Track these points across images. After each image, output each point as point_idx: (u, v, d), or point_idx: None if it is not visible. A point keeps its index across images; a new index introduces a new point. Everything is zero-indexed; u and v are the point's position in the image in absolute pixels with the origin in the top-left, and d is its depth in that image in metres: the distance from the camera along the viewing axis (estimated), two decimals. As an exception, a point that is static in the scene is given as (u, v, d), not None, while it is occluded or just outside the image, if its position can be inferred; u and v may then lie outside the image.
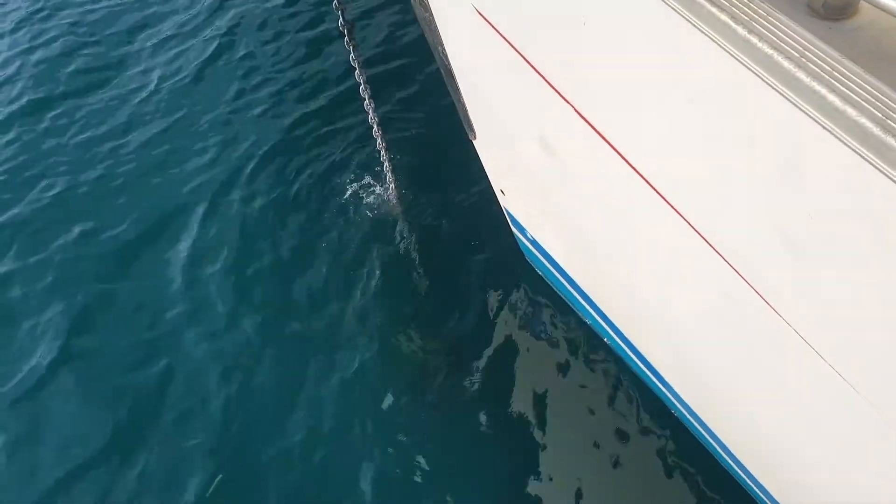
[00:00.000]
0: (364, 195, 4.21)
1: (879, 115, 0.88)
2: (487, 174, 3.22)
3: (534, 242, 3.32)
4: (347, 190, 4.25)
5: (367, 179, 4.27)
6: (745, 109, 1.13)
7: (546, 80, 1.83)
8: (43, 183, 4.52)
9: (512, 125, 2.48)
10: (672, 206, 1.62)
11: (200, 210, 4.24)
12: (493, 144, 2.93)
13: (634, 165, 1.68)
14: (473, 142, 3.05)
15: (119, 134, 4.81)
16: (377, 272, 3.83)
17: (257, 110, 4.92)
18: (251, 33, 5.59)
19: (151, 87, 5.18)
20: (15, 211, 4.34)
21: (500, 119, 2.58)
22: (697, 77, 1.22)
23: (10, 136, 4.88)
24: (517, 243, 3.56)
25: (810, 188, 1.10)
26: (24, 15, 6.09)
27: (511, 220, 3.41)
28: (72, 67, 5.42)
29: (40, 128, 4.94)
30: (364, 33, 5.24)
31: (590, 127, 1.77)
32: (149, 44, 5.62)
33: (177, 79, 5.24)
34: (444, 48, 2.47)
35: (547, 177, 2.51)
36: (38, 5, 6.20)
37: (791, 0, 1.08)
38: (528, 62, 1.88)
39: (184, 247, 4.04)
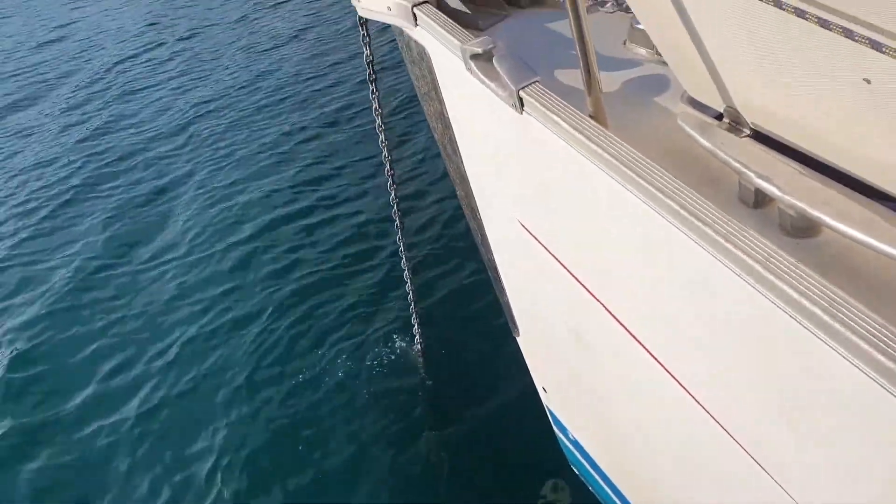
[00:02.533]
0: (390, 356, 4.43)
1: (838, 314, 1.07)
2: (530, 371, 3.37)
3: (575, 443, 3.35)
4: (372, 343, 4.52)
5: (395, 339, 4.54)
6: (740, 312, 1.33)
7: (581, 283, 2.08)
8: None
9: (552, 323, 2.70)
10: (702, 406, 1.74)
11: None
12: (535, 341, 3.13)
13: (662, 362, 1.84)
14: (517, 338, 3.26)
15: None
16: (394, 451, 3.89)
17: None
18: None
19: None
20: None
21: (542, 317, 2.81)
22: (701, 284, 1.44)
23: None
24: (559, 444, 3.58)
25: (796, 377, 1.25)
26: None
27: (553, 420, 3.47)
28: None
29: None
30: (412, 209, 5.80)
31: (621, 325, 1.96)
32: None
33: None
34: (491, 252, 2.80)
35: (586, 376, 2.66)
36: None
37: (765, 220, 1.33)
38: (564, 267, 2.15)
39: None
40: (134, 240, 6.21)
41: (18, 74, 11.38)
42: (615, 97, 1.86)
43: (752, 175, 1.32)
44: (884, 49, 0.92)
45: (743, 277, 1.22)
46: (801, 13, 1.03)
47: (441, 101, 2.46)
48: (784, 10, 1.05)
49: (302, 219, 6.12)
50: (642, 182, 1.41)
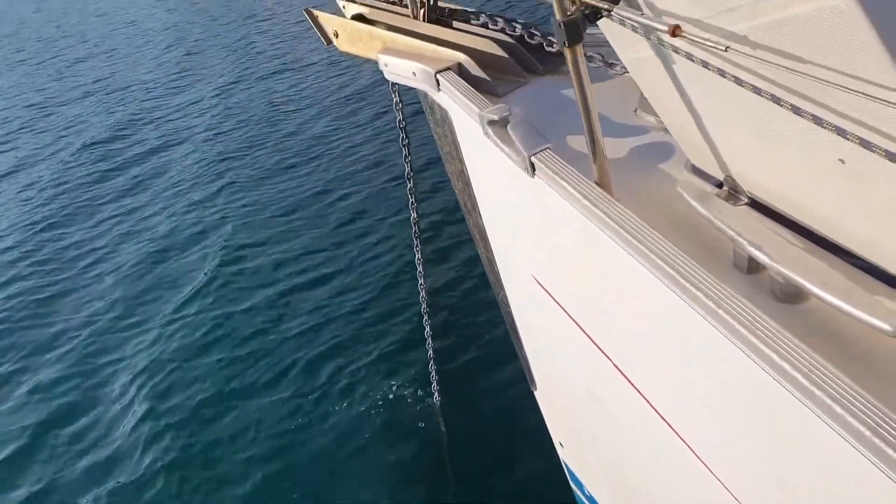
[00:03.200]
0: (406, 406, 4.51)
1: (816, 379, 1.12)
2: (547, 425, 3.40)
3: (591, 499, 3.34)
4: (391, 394, 4.63)
5: (413, 391, 4.62)
6: (726, 370, 1.38)
7: (591, 339, 2.14)
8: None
9: (567, 379, 2.74)
10: (707, 468, 1.77)
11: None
12: (551, 396, 3.16)
13: (668, 420, 1.88)
14: (535, 392, 3.31)
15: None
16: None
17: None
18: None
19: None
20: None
21: (557, 373, 2.86)
22: (696, 348, 1.50)
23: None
24: (574, 499, 3.57)
25: (784, 439, 1.29)
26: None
27: (569, 475, 3.48)
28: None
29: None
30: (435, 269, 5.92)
31: (630, 384, 2.01)
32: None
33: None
34: (509, 306, 2.88)
35: (601, 432, 2.68)
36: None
37: (758, 286, 1.40)
38: (577, 324, 2.22)
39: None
40: (159, 293, 6.44)
41: (51, 129, 11.95)
42: (623, 163, 1.96)
43: (744, 243, 1.40)
44: (848, 136, 1.01)
45: (732, 342, 1.28)
46: (776, 100, 1.12)
47: (461, 161, 2.58)
48: (762, 96, 1.14)
49: (327, 270, 6.31)
50: (641, 247, 1.49)
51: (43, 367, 5.74)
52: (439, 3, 2.65)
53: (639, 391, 1.96)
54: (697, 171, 1.82)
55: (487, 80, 2.38)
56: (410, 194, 3.56)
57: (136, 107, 12.13)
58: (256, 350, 5.40)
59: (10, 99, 14.37)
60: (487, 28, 2.59)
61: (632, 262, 1.55)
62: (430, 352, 4.15)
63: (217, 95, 11.88)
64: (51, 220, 8.44)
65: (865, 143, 0.99)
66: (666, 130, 2.05)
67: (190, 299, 6.19)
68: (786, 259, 1.32)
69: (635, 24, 1.35)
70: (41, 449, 4.94)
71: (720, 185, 1.73)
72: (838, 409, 1.05)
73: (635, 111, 2.23)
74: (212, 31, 16.93)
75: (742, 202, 1.64)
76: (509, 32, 2.51)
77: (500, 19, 2.57)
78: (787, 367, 1.14)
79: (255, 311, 5.90)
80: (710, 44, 1.15)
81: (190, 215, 7.81)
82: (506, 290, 2.82)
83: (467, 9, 2.74)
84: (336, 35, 2.83)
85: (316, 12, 2.89)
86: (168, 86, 13.06)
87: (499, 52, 2.44)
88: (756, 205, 1.61)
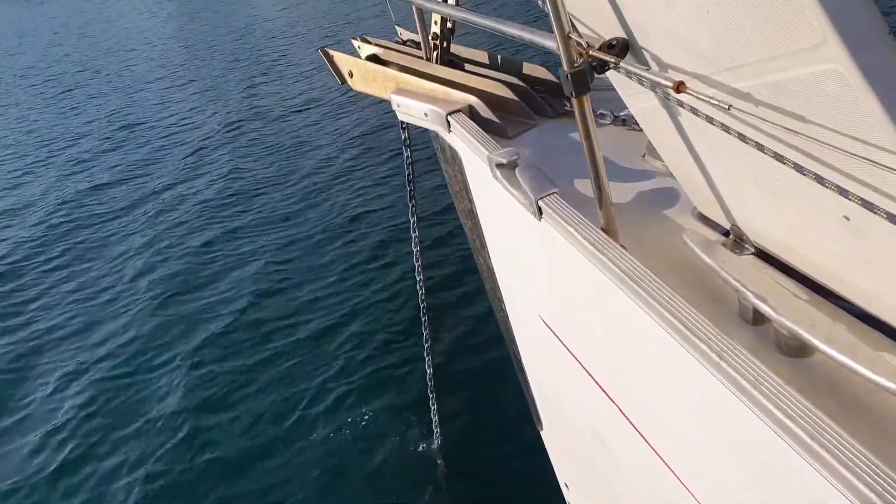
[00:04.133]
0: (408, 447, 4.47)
1: (820, 437, 1.11)
2: (553, 466, 3.36)
3: (597, 543, 3.29)
4: (391, 436, 4.58)
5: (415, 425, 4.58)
6: (729, 423, 1.37)
7: (597, 383, 2.13)
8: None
9: (574, 420, 2.73)
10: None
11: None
12: (558, 436, 3.14)
13: (674, 470, 1.86)
14: (541, 433, 3.28)
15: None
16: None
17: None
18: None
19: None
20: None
21: (563, 413, 2.84)
22: (699, 400, 1.49)
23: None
24: (581, 543, 3.51)
25: (787, 497, 1.28)
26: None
27: (575, 517, 3.43)
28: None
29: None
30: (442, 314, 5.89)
31: (635, 430, 2.00)
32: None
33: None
34: (516, 345, 2.87)
35: (606, 476, 2.66)
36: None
37: (763, 338, 1.39)
38: (583, 367, 2.21)
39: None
40: (171, 331, 6.50)
41: (57, 166, 12.08)
42: (630, 209, 1.97)
43: (749, 294, 1.40)
44: (850, 196, 1.01)
45: (735, 395, 1.27)
46: (779, 158, 1.13)
47: (471, 200, 2.61)
48: (766, 153, 1.16)
49: (332, 310, 6.32)
50: (645, 296, 1.49)
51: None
52: (452, 47, 2.70)
53: (644, 438, 1.94)
54: (704, 219, 1.83)
55: (497, 122, 2.42)
56: (412, 222, 3.56)
57: (148, 144, 12.28)
58: (257, 387, 5.41)
59: (49, 131, 14.65)
60: (499, 71, 2.63)
61: (636, 310, 1.55)
62: (431, 393, 4.13)
63: (230, 132, 11.99)
64: (53, 259, 8.55)
65: (867, 205, 1.00)
66: (673, 176, 2.07)
67: (204, 342, 6.19)
68: (790, 312, 1.32)
69: (641, 78, 1.38)
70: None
71: (727, 234, 1.74)
72: (842, 469, 1.04)
73: (643, 156, 2.25)
74: (224, 69, 17.19)
75: (748, 252, 1.64)
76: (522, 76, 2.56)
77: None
78: (790, 423, 1.13)
79: (262, 350, 5.92)
80: (714, 101, 1.17)
81: (201, 256, 7.84)
82: (513, 329, 2.82)
83: (476, 54, 2.80)
84: (350, 75, 2.89)
85: (332, 52, 2.95)
86: (180, 124, 13.22)
87: (509, 95, 2.48)
88: (762, 254, 1.61)
